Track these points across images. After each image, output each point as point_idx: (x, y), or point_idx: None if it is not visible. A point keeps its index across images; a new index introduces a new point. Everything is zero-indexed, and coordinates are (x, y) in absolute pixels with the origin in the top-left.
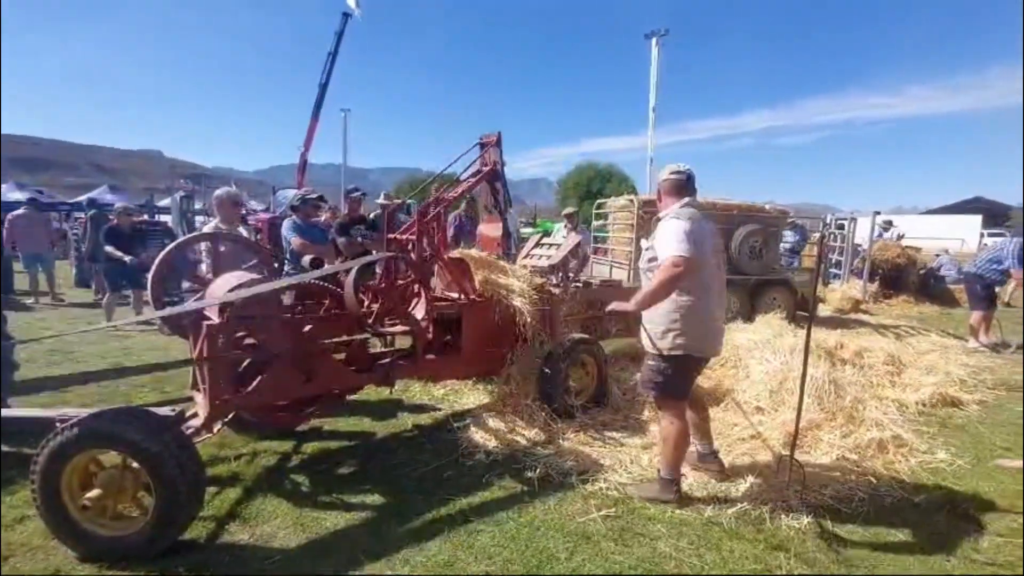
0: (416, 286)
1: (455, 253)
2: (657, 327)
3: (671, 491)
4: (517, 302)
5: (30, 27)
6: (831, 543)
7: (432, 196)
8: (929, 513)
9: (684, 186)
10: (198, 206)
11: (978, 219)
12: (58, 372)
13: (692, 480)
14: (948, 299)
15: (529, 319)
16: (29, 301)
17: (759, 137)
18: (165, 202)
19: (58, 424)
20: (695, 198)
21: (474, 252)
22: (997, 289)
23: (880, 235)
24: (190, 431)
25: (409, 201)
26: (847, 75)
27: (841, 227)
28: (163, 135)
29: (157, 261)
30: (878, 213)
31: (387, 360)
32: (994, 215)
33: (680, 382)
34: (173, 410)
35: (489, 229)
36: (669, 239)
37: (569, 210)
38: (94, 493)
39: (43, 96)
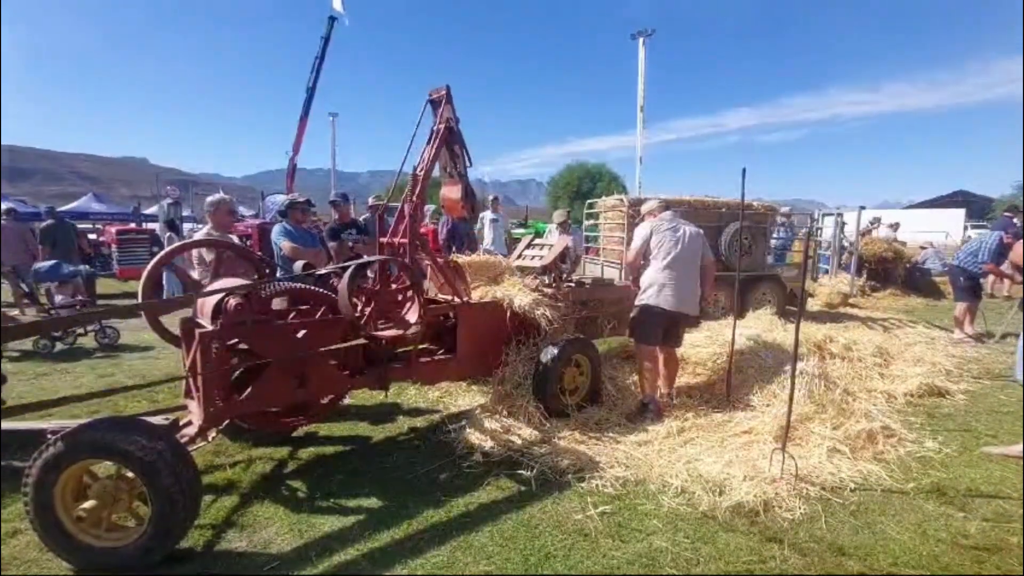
0: (409, 289)
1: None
2: (641, 287)
3: (648, 410)
4: (520, 300)
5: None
6: (824, 533)
7: (407, 191)
8: (918, 501)
9: (663, 206)
10: (186, 213)
11: (961, 212)
12: (47, 383)
13: (687, 476)
14: (934, 291)
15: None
16: (14, 313)
17: (744, 135)
18: (152, 209)
19: (50, 435)
20: (672, 211)
21: (471, 258)
22: (981, 281)
23: (868, 230)
24: (185, 439)
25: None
26: (826, 72)
27: (829, 223)
28: (148, 142)
29: (147, 269)
30: (863, 208)
31: (382, 364)
32: (978, 208)
33: (646, 327)
34: (167, 419)
35: (450, 191)
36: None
37: (559, 216)
38: (88, 504)
39: (23, 103)
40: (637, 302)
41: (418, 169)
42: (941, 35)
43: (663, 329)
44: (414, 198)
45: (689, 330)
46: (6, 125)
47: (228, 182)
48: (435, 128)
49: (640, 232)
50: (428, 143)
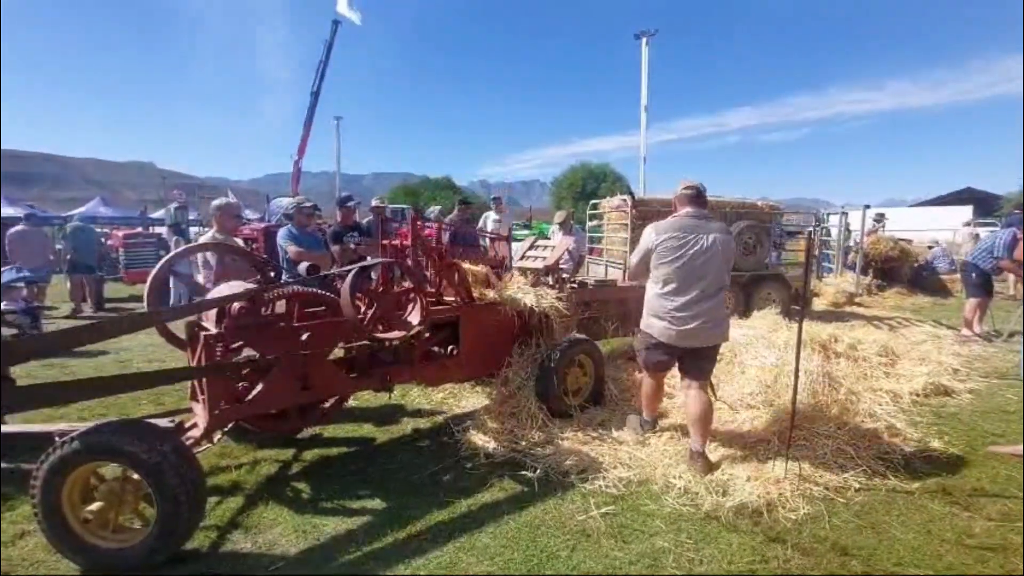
0: (412, 291)
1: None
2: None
3: (639, 424)
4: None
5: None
6: (827, 533)
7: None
8: (923, 500)
9: (691, 199)
10: (192, 216)
11: (968, 209)
12: None
13: (689, 477)
14: (941, 290)
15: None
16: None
17: (745, 134)
18: (159, 213)
19: (57, 438)
20: (698, 209)
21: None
22: (993, 278)
23: (875, 228)
24: (190, 441)
25: (403, 207)
26: (827, 71)
27: (831, 221)
28: (155, 146)
29: (152, 274)
30: (868, 207)
31: (385, 365)
32: (986, 205)
33: (649, 355)
34: (172, 421)
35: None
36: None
37: (560, 216)
38: (95, 506)
39: (31, 109)
40: (642, 324)
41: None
42: (943, 33)
43: (673, 359)
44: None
45: None
46: (13, 130)
47: (234, 185)
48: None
49: (643, 240)
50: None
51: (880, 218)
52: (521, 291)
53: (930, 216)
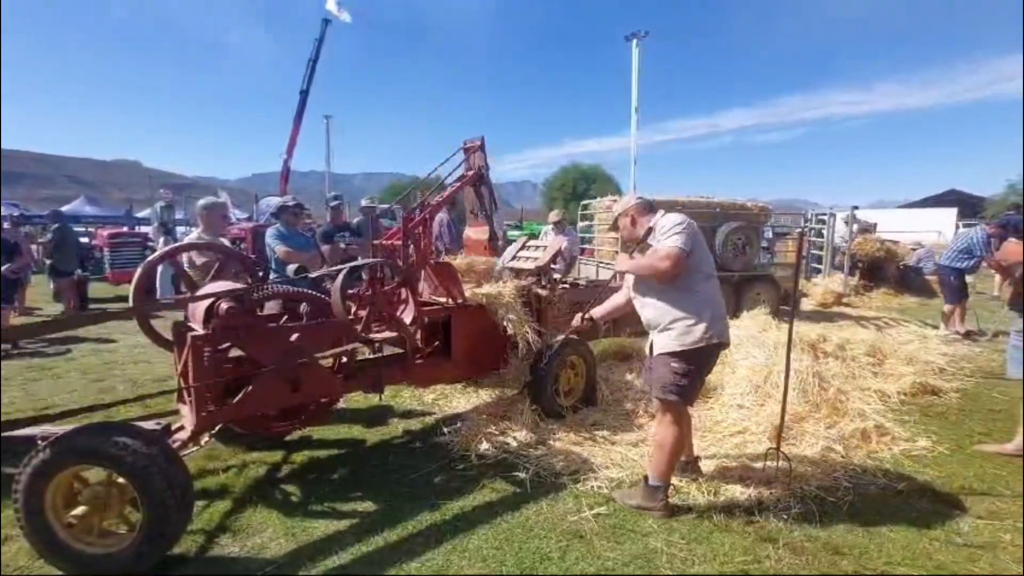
0: (403, 291)
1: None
2: (679, 322)
3: (657, 499)
4: (511, 315)
5: None
6: (818, 532)
7: (418, 201)
8: (912, 499)
9: (652, 205)
10: (179, 216)
11: (953, 211)
12: (38, 389)
13: (680, 477)
14: (927, 290)
15: (517, 327)
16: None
17: (740, 135)
18: (145, 212)
19: (40, 441)
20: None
21: (460, 260)
22: (969, 278)
23: (869, 228)
24: (176, 444)
25: (394, 207)
26: (819, 72)
27: (821, 222)
28: (142, 145)
29: (138, 273)
30: (856, 208)
31: (376, 366)
32: (970, 207)
33: (698, 381)
34: (158, 423)
35: (475, 232)
36: (668, 231)
37: (555, 216)
38: (79, 510)
39: (14, 106)
40: (688, 341)
41: (434, 198)
42: (932, 36)
43: None
44: (420, 214)
45: None
46: None
47: (223, 184)
48: (466, 172)
49: (681, 223)
50: (457, 180)
51: (849, 220)
52: (504, 308)
53: (915, 218)
